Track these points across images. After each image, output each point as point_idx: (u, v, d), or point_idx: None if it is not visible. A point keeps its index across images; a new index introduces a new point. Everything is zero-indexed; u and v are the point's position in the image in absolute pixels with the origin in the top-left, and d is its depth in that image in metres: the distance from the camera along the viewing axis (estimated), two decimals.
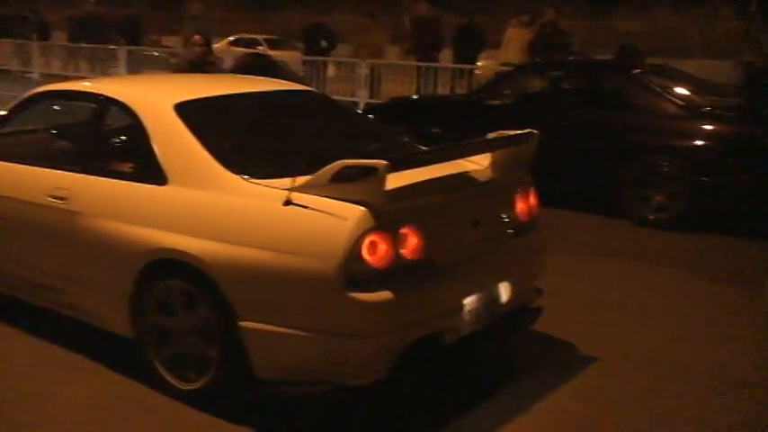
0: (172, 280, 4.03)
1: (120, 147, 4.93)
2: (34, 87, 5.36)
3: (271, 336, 3.69)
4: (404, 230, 3.69)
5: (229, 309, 3.78)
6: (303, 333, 3.63)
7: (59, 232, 4.47)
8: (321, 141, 4.72)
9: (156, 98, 4.61)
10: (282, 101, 5.18)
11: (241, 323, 3.75)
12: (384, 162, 3.47)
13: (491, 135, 4.48)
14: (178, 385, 4.07)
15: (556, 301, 4.98)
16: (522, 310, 4.58)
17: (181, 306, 4.02)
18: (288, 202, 3.68)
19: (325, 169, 3.59)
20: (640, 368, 4.63)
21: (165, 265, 4.02)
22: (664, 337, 5.11)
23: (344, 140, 4.86)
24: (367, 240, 3.55)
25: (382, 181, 3.52)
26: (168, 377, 4.11)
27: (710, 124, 7.76)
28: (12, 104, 5.22)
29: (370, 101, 15.08)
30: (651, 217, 7.83)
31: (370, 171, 3.49)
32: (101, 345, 4.56)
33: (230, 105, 4.80)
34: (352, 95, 15.97)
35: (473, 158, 4.44)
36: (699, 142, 7.65)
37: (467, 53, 15.22)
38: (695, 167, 7.55)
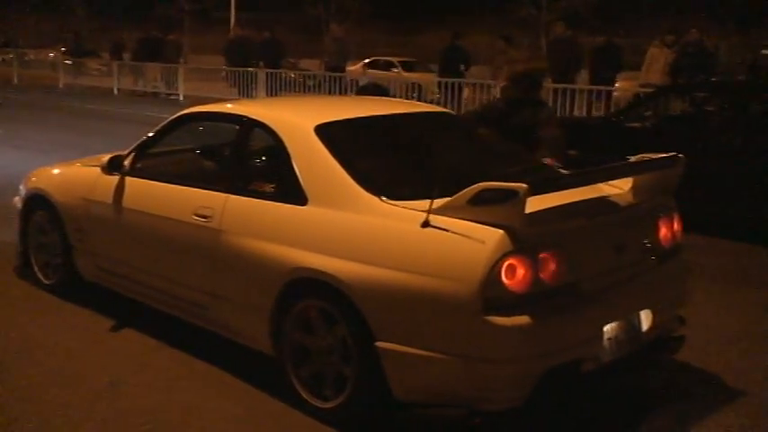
0: (311, 299, 4.09)
1: (262, 167, 5.06)
2: (178, 109, 5.56)
3: (407, 357, 3.69)
4: (543, 255, 3.63)
5: (367, 329, 3.80)
6: (440, 356, 3.62)
7: (204, 250, 4.61)
8: (460, 163, 4.71)
9: (297, 120, 4.69)
10: (420, 123, 5.20)
11: (378, 343, 3.76)
12: (524, 185, 3.43)
13: (633, 158, 4.37)
14: (315, 403, 4.12)
15: (698, 331, 4.79)
16: (663, 339, 4.42)
17: (319, 325, 4.07)
18: (426, 224, 3.68)
19: (464, 192, 3.58)
20: None
21: (305, 285, 4.09)
22: None
23: (483, 162, 4.83)
24: (505, 264, 3.51)
25: (522, 204, 3.47)
26: (305, 394, 4.16)
27: None
28: (159, 126, 5.43)
29: None
30: None
31: (510, 194, 3.46)
32: (242, 360, 4.67)
33: (369, 127, 4.85)
34: None
35: (613, 182, 4.35)
36: None
37: (604, 74, 14.92)
38: None
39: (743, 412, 4.29)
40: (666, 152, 4.37)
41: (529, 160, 5.11)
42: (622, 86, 15.54)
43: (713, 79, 13.19)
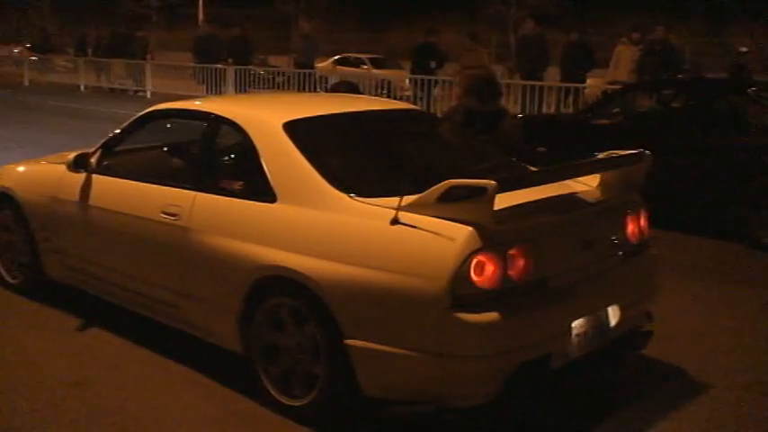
0: (280, 297, 4.08)
1: (230, 165, 5.03)
2: (146, 106, 5.51)
3: (377, 354, 3.69)
4: (512, 251, 3.64)
5: (336, 327, 3.79)
6: (409, 353, 3.62)
7: (172, 248, 4.58)
8: (429, 160, 4.71)
9: (265, 117, 4.67)
10: (390, 120, 5.20)
11: (347, 341, 3.76)
12: (493, 182, 3.44)
13: (601, 155, 4.40)
14: (284, 401, 4.10)
15: (666, 326, 4.83)
16: (631, 334, 4.46)
17: (288, 323, 4.06)
18: (395, 222, 3.68)
19: (433, 189, 3.58)
20: (753, 397, 4.45)
21: (274, 282, 4.07)
22: None
23: (452, 160, 4.84)
24: (474, 261, 3.52)
25: (491, 201, 3.48)
26: (275, 393, 4.15)
27: None
28: (126, 123, 5.37)
29: None
30: (766, 240, 7.52)
31: (479, 191, 3.46)
32: (212, 358, 4.65)
33: (338, 124, 4.84)
34: None
35: (582, 179, 4.37)
36: None
37: (576, 72, 14.99)
38: None
39: (709, 406, 4.33)
40: (633, 149, 4.41)
41: (498, 157, 5.13)
42: (592, 84, 15.62)
43: (679, 76, 13.31)
